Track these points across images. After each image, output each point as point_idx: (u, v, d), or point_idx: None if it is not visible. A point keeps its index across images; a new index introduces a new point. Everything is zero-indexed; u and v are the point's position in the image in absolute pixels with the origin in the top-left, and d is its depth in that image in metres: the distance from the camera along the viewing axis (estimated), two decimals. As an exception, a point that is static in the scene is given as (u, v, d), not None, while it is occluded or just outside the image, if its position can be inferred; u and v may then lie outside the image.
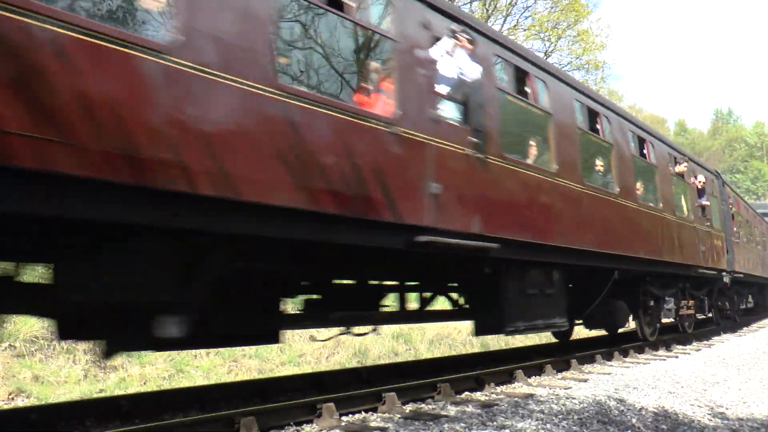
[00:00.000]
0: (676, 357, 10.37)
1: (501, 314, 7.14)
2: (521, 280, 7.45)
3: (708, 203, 13.89)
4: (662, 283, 11.90)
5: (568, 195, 8.05)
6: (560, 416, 5.27)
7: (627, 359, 9.96)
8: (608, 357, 9.81)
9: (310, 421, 5.15)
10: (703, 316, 15.69)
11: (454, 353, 11.61)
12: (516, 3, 24.36)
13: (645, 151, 11.21)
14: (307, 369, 10.74)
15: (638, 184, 10.49)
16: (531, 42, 24.54)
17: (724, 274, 14.90)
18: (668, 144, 12.94)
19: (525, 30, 24.75)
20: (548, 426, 4.92)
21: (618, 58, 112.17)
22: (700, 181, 13.63)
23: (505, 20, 24.36)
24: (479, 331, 7.79)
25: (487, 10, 23.70)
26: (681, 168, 12.82)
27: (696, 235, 12.87)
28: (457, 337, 13.86)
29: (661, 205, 11.18)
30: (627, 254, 9.60)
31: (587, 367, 8.84)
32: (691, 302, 13.49)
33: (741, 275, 16.82)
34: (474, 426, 4.82)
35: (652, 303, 11.68)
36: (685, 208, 12.70)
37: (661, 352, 11.11)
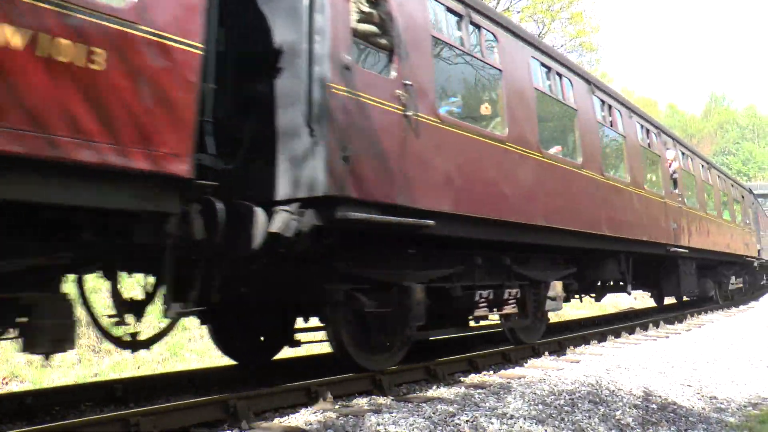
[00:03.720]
0: (667, 337, 10.48)
1: None
2: None
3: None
4: None
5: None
6: (552, 396, 5.33)
7: (618, 340, 10.06)
8: (601, 338, 9.90)
9: (305, 405, 5.17)
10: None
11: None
12: (510, -16, 24.20)
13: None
14: (301, 353, 10.77)
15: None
16: (525, 24, 24.41)
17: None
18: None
19: (519, 12, 24.61)
20: (540, 407, 4.97)
21: (610, 40, 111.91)
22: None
23: (498, 2, 24.20)
24: None
25: (480, -8, 23.48)
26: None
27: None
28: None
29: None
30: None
31: (580, 349, 8.92)
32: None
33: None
34: (467, 407, 4.86)
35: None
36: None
37: (652, 332, 11.22)
